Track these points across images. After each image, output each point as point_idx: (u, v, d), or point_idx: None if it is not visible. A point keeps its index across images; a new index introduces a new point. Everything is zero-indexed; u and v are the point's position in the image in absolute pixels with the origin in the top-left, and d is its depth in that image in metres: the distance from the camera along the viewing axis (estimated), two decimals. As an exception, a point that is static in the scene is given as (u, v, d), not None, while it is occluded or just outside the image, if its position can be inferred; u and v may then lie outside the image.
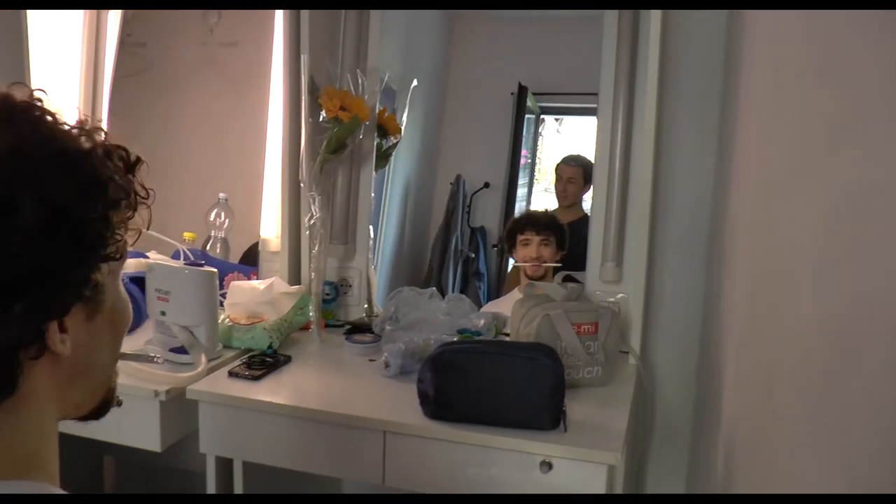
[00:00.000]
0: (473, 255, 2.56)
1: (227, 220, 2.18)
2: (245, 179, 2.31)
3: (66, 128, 0.68)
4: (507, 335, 1.95)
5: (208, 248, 2.17)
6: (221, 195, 2.18)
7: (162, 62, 2.43)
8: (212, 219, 2.17)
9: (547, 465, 1.43)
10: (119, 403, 1.73)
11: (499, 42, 2.51)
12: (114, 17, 2.31)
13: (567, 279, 1.86)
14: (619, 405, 1.65)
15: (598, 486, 1.42)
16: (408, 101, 2.22)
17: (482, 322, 1.95)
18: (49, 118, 0.67)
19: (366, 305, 2.22)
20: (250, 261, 2.26)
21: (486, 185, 2.53)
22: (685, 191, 1.99)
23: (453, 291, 2.37)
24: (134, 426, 1.65)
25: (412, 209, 2.61)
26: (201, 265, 1.75)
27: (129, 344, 1.82)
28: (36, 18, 2.10)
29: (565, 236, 2.20)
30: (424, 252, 2.58)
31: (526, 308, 1.78)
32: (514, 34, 2.46)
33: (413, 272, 2.57)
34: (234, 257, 2.25)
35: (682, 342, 2.05)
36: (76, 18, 2.28)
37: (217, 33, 2.37)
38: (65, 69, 2.26)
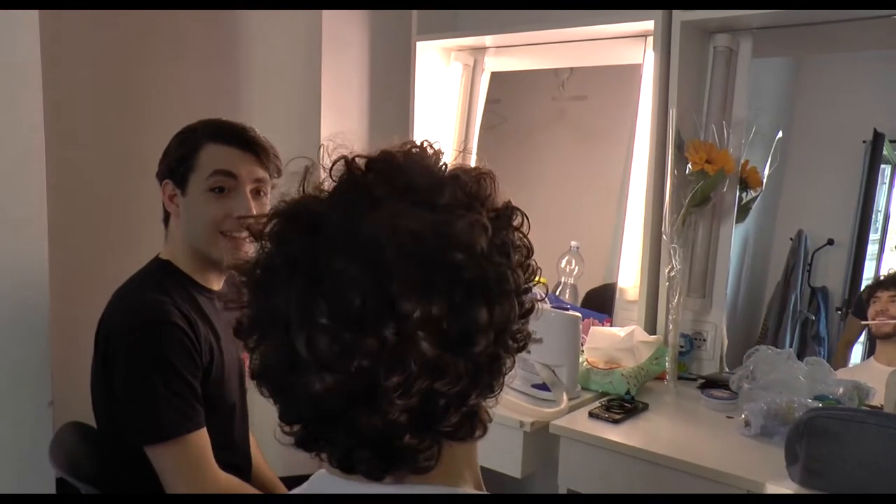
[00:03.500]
0: (813, 318, 2.44)
1: (577, 268, 2.30)
2: (594, 227, 2.43)
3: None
4: (870, 407, 1.85)
5: (558, 292, 2.31)
6: (573, 243, 2.31)
7: (515, 116, 2.65)
8: (563, 265, 2.31)
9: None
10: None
11: (848, 85, 2.37)
12: (486, 79, 2.57)
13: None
14: None
15: None
16: (771, 153, 2.18)
17: (841, 390, 1.85)
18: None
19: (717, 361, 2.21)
20: (591, 304, 2.36)
21: (830, 241, 2.40)
22: None
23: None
24: (499, 452, 1.80)
25: (749, 264, 2.55)
26: (566, 309, 1.87)
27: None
28: (421, 82, 2.41)
29: None
30: (758, 311, 2.50)
31: (904, 380, 1.69)
32: (865, 75, 2.31)
33: (746, 331, 2.50)
34: (579, 302, 2.36)
35: None
36: (454, 81, 2.57)
37: (567, 88, 2.53)
38: (442, 125, 2.56)
